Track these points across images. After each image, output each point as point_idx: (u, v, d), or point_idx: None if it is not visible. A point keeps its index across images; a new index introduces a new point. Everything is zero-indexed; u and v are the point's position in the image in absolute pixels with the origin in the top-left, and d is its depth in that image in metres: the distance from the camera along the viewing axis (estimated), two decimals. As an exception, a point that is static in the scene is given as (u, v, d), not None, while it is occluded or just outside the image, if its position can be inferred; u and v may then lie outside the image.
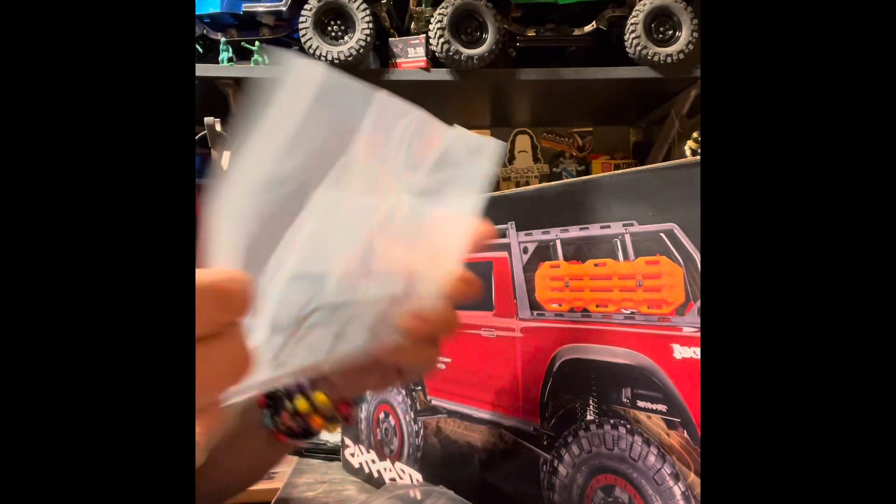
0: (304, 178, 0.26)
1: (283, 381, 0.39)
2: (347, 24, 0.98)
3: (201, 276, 0.24)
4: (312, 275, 0.27)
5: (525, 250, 0.47)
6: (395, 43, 1.05)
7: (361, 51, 0.99)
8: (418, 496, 0.38)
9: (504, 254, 0.48)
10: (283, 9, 0.99)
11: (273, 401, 0.44)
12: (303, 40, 0.98)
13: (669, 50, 1.02)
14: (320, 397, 0.42)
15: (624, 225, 0.39)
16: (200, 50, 1.07)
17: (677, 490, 0.36)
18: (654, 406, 0.37)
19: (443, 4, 0.99)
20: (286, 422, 0.43)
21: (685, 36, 1.00)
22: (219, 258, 0.24)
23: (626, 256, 0.39)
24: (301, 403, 0.42)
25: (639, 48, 1.02)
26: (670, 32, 1.02)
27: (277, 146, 0.25)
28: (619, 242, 0.40)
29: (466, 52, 1.00)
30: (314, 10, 0.97)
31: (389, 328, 0.31)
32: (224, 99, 1.09)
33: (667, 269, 0.37)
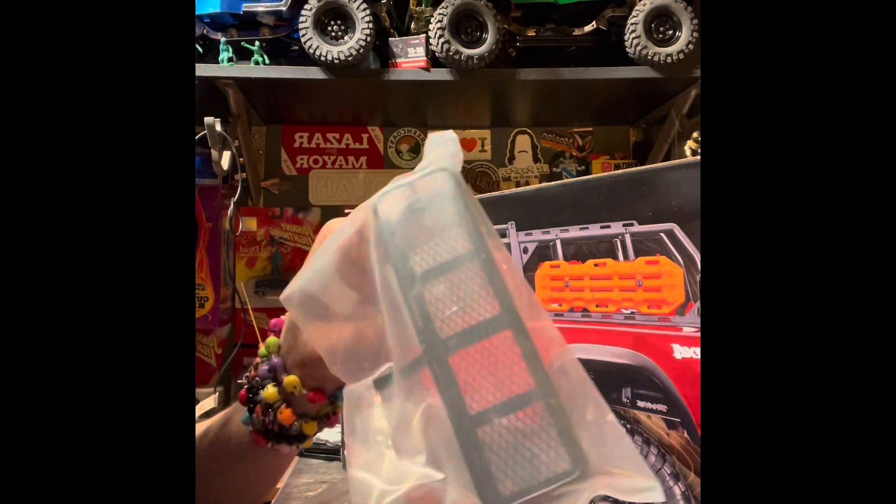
0: None
1: None
2: (347, 24, 0.98)
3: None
4: None
5: (525, 250, 0.46)
6: (395, 43, 1.05)
7: (361, 51, 0.99)
8: None
9: (504, 254, 0.48)
10: (283, 9, 0.99)
11: (251, 393, 0.40)
12: (303, 40, 0.99)
13: (669, 50, 1.02)
14: (291, 379, 0.38)
15: (624, 225, 0.39)
16: (200, 50, 1.07)
17: (677, 490, 0.36)
18: (654, 406, 0.37)
19: (443, 4, 0.99)
20: (260, 416, 0.39)
21: (685, 36, 1.01)
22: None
23: (626, 256, 0.39)
24: (269, 392, 0.39)
25: (639, 48, 1.02)
26: (670, 32, 1.02)
27: None
28: (619, 242, 0.40)
29: (466, 52, 1.00)
30: (314, 10, 0.97)
31: None
32: (224, 99, 1.09)
33: (667, 269, 0.37)
